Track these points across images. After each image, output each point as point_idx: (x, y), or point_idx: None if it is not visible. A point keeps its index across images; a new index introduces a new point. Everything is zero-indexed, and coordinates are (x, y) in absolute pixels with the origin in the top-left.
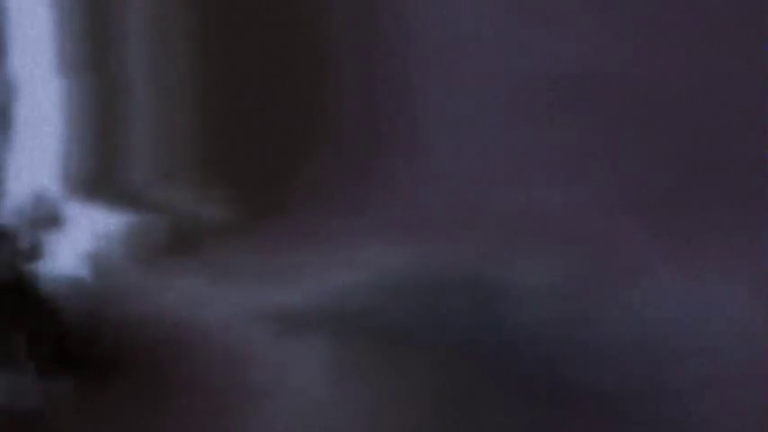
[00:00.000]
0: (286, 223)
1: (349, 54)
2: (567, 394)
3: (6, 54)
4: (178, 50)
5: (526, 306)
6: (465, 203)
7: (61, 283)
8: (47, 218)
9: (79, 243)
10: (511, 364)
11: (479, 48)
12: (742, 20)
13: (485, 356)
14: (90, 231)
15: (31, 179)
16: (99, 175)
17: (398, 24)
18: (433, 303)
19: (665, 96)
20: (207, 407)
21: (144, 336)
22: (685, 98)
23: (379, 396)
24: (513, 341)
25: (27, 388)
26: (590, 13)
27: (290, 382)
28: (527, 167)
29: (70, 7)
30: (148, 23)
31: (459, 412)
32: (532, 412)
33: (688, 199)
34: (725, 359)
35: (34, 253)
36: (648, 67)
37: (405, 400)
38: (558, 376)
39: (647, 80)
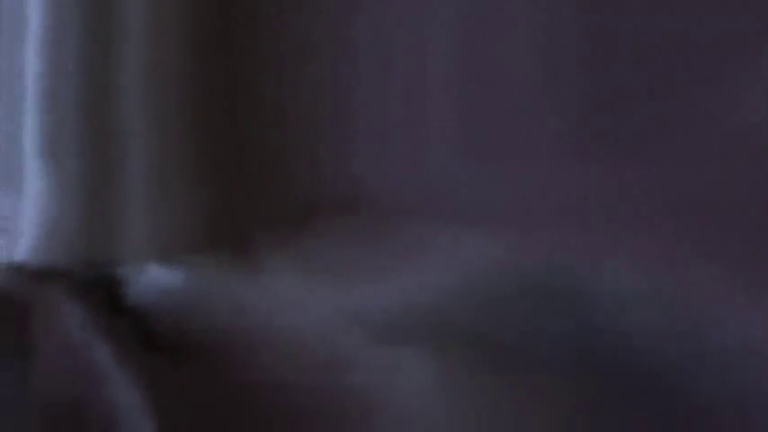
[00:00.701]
0: (376, 222)
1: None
2: (674, 405)
3: None
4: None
5: (624, 313)
6: (559, 202)
7: (150, 288)
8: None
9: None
10: (614, 374)
11: None
12: None
13: (587, 365)
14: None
15: None
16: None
17: None
18: (530, 308)
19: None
20: (297, 414)
21: (233, 339)
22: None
23: (483, 409)
24: (614, 349)
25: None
26: None
27: (388, 392)
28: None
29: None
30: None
31: (566, 424)
32: (641, 425)
33: None
34: None
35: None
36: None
37: (509, 411)
38: (664, 387)
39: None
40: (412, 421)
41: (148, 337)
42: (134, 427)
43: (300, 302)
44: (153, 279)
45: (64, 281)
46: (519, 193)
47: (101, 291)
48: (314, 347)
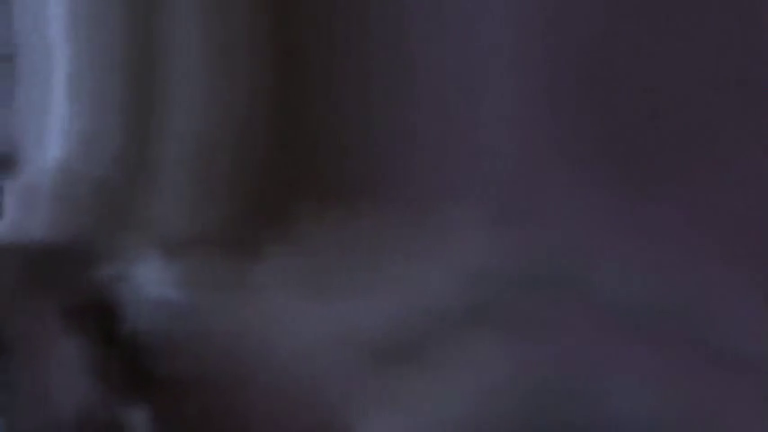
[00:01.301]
0: (370, 236)
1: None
2: None
3: None
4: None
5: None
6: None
7: (143, 304)
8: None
9: (160, 263)
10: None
11: None
12: None
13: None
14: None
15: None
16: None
17: None
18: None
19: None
20: None
21: (226, 369)
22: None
23: None
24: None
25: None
26: None
27: (383, 423)
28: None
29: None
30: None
31: None
32: None
33: None
34: None
35: (117, 274)
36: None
37: None
38: None
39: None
40: None
41: (143, 367)
42: None
43: (294, 321)
44: (149, 302)
45: (60, 302)
46: (529, 195)
47: (97, 319)
48: (305, 379)
